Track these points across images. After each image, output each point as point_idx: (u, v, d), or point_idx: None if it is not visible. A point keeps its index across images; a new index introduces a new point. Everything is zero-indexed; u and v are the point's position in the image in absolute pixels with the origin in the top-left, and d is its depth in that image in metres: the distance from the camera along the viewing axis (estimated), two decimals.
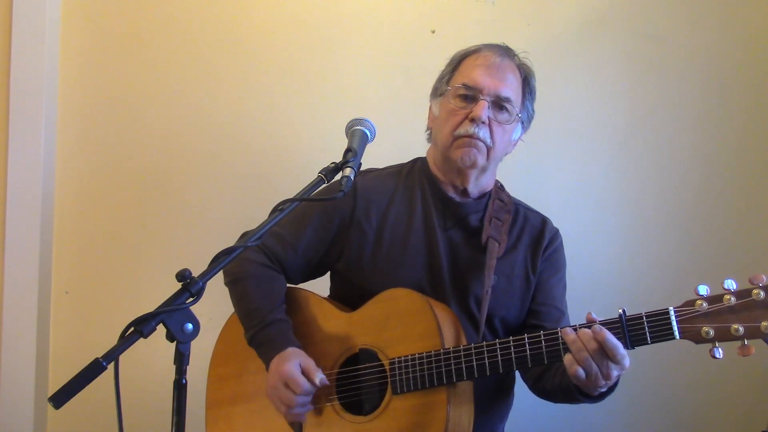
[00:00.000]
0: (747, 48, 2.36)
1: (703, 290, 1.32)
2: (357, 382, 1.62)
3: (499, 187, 1.84)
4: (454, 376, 1.52)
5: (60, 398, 1.04)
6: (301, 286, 1.84)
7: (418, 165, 1.84)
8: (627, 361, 1.40)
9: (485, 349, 1.52)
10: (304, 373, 1.55)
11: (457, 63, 1.77)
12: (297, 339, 1.65)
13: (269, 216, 1.31)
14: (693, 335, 1.33)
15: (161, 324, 1.11)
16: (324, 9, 2.42)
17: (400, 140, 2.39)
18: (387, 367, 1.59)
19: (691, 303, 1.34)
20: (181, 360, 1.13)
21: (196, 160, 2.43)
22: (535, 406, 2.39)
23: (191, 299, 1.14)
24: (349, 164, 1.39)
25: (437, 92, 1.79)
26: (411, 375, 1.55)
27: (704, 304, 1.31)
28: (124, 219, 2.45)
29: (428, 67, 2.40)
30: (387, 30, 2.41)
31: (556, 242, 1.83)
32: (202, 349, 1.63)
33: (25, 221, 2.38)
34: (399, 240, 1.72)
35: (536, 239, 1.80)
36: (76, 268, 2.46)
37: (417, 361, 1.55)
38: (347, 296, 1.75)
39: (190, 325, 1.12)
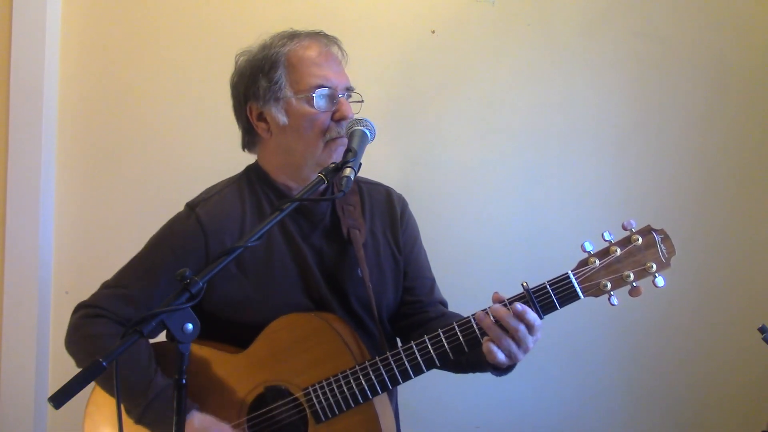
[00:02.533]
0: (748, 47, 2.36)
1: (589, 247, 1.41)
2: (272, 423, 1.53)
3: None
4: (378, 388, 1.48)
5: (60, 398, 1.04)
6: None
7: (254, 176, 1.70)
8: (540, 333, 1.43)
9: (403, 354, 1.48)
10: None
11: (284, 62, 1.60)
12: (191, 397, 1.52)
13: (268, 217, 1.30)
14: (594, 291, 1.41)
15: (161, 324, 1.11)
16: (324, 9, 2.41)
17: (400, 140, 2.40)
18: (302, 399, 1.51)
19: (584, 262, 1.42)
20: (181, 360, 1.13)
21: (196, 160, 2.43)
22: (534, 406, 2.40)
23: (191, 299, 1.14)
24: (349, 164, 1.37)
25: (273, 97, 1.59)
26: (332, 399, 1.49)
27: (597, 261, 1.41)
28: (124, 219, 2.45)
29: (428, 67, 2.42)
30: (387, 30, 2.41)
31: (407, 210, 1.77)
32: None
33: (25, 221, 2.38)
34: (264, 264, 1.61)
35: (389, 214, 1.73)
36: (76, 268, 2.46)
37: (335, 383, 1.49)
38: (221, 335, 1.60)
39: (190, 325, 1.12)
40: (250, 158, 1.78)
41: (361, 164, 1.42)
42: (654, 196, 2.38)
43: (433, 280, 1.78)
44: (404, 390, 1.70)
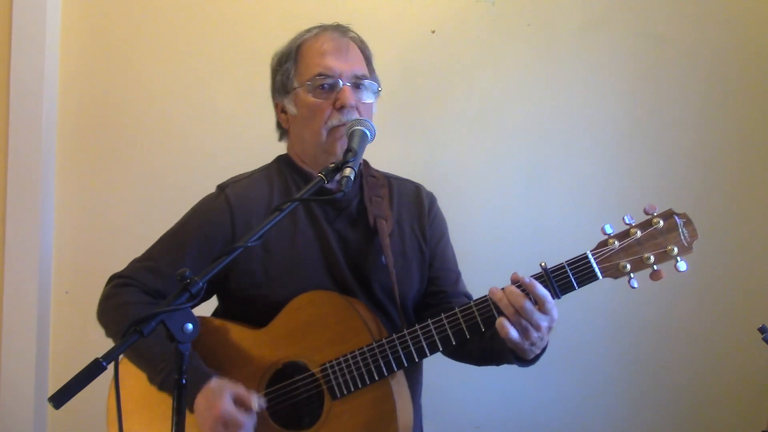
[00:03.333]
0: (748, 47, 2.36)
1: (609, 229, 1.41)
2: (289, 397, 1.55)
3: (365, 164, 1.77)
4: (394, 365, 1.49)
5: (60, 398, 1.04)
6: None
7: (283, 164, 1.75)
8: (555, 312, 1.42)
9: (419, 332, 1.49)
10: (238, 402, 1.48)
11: (295, 54, 1.66)
12: (212, 369, 1.55)
13: (268, 217, 1.30)
14: (612, 272, 1.41)
15: (161, 324, 1.11)
16: (324, 9, 2.42)
17: (400, 140, 2.40)
18: (320, 375, 1.53)
19: (603, 243, 1.42)
20: (181, 360, 1.13)
21: (196, 160, 2.44)
22: (534, 405, 2.40)
23: (191, 299, 1.14)
24: (349, 164, 1.37)
25: (284, 89, 1.66)
26: (348, 376, 1.50)
27: (616, 242, 1.40)
28: (124, 219, 2.45)
29: (428, 67, 2.42)
30: (387, 30, 2.41)
31: (435, 205, 1.80)
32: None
33: (25, 221, 2.38)
34: (288, 245, 1.63)
35: (417, 207, 1.76)
36: (76, 268, 2.46)
37: (351, 360, 1.51)
38: (245, 313, 1.64)
39: (190, 325, 1.12)
40: (251, 159, 1.79)
41: (360, 164, 1.43)
42: (653, 195, 2.37)
43: (458, 274, 1.80)
44: None
